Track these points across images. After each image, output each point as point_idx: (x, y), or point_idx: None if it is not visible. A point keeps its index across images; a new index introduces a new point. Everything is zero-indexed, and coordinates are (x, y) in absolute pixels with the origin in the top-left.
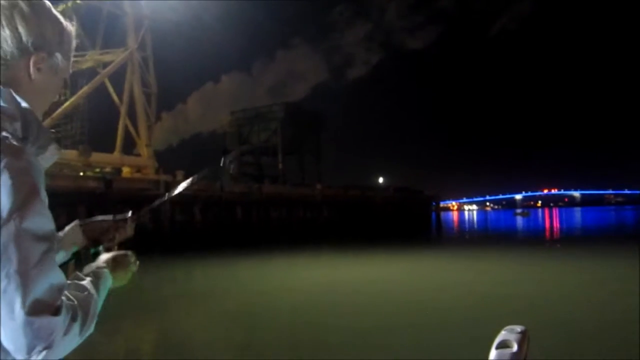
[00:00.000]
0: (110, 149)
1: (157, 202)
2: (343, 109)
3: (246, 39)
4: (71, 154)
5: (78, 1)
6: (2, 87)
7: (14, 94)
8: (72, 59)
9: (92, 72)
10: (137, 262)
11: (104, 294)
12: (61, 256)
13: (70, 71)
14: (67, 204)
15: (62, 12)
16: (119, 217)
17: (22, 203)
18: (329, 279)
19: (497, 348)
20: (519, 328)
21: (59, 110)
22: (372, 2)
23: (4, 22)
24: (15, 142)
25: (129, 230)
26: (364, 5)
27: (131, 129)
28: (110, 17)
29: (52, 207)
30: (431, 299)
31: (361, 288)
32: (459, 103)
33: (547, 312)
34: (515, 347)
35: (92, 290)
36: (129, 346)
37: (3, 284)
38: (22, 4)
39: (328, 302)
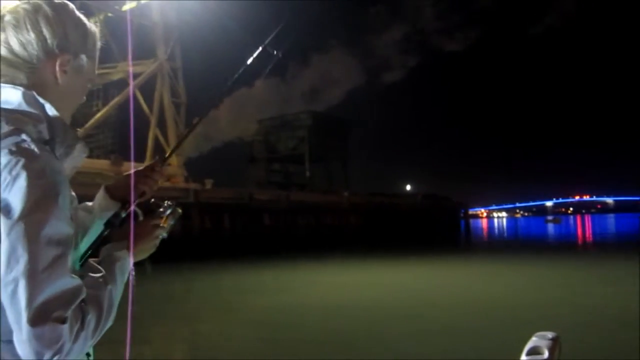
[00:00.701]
0: (140, 159)
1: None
2: (371, 116)
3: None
4: (103, 164)
5: (109, 14)
6: (25, 90)
7: (37, 96)
8: (100, 69)
9: (123, 83)
10: (178, 211)
11: (122, 279)
12: (98, 226)
13: (97, 73)
14: None
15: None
16: (144, 166)
17: (35, 205)
18: (356, 285)
19: (527, 354)
20: (550, 334)
21: (91, 120)
22: (407, 2)
23: (28, 26)
24: (33, 145)
25: (158, 178)
26: (400, 6)
27: (161, 138)
28: (140, 29)
29: None
30: (461, 305)
31: (390, 294)
32: (489, 109)
33: (579, 318)
34: (546, 354)
35: (106, 283)
36: (156, 351)
37: (11, 287)
38: (46, 7)
39: (356, 307)
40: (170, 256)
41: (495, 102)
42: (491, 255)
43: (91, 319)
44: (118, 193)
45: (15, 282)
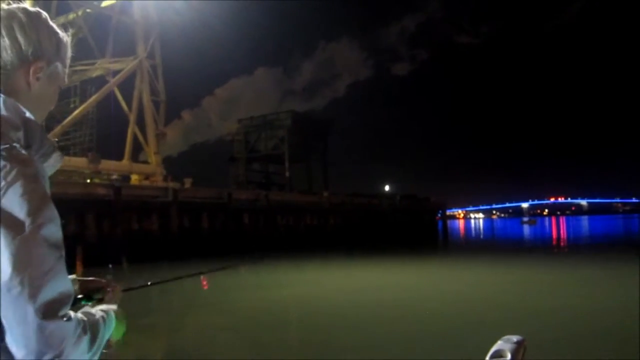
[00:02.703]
0: (118, 157)
1: (138, 285)
2: (349, 117)
3: (281, 35)
4: (80, 161)
5: (88, 10)
6: (5, 97)
7: (18, 104)
8: (68, 69)
9: (101, 81)
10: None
11: (109, 331)
12: None
13: (67, 81)
14: (76, 210)
15: (72, 21)
16: (113, 283)
17: (35, 211)
18: (334, 285)
19: (491, 358)
20: (515, 338)
21: (69, 118)
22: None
23: (3, 32)
24: (23, 151)
25: (116, 299)
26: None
27: (140, 136)
28: (119, 26)
29: (62, 213)
30: (435, 307)
31: (366, 295)
32: (465, 112)
33: (551, 322)
34: (508, 357)
35: (101, 321)
36: (136, 350)
37: (16, 290)
38: (21, 15)
39: (332, 307)
40: (148, 255)
41: (471, 104)
42: (467, 257)
43: (88, 332)
44: (84, 288)
45: (22, 284)
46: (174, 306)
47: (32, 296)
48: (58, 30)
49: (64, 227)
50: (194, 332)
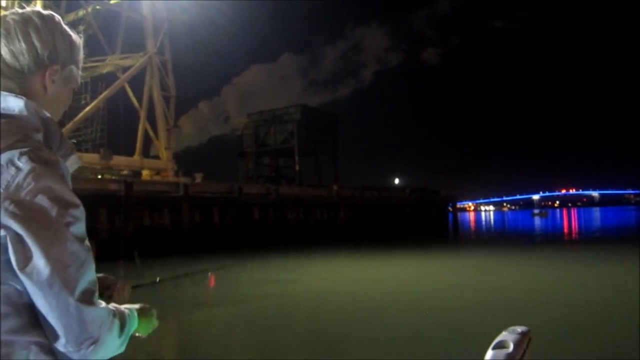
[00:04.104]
0: (129, 152)
1: (147, 282)
2: (358, 110)
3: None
4: (92, 157)
5: (97, 7)
6: (27, 100)
7: (38, 107)
8: (89, 62)
9: (111, 77)
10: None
11: (131, 328)
12: None
13: (80, 81)
14: (88, 205)
15: (82, 18)
16: (122, 280)
17: (66, 211)
18: (343, 279)
19: (493, 348)
20: (520, 329)
21: (80, 114)
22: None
23: (20, 37)
24: (49, 152)
25: (125, 296)
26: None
27: (150, 132)
28: (129, 22)
29: None
30: (443, 299)
31: (377, 288)
32: (475, 103)
33: (559, 313)
34: (511, 348)
35: (127, 312)
36: (144, 346)
37: (58, 286)
38: (36, 19)
39: (341, 301)
40: (160, 250)
41: (481, 97)
42: (476, 250)
43: (118, 319)
44: None
45: (63, 280)
46: (182, 301)
47: (73, 289)
48: (71, 33)
49: None
50: (200, 326)
